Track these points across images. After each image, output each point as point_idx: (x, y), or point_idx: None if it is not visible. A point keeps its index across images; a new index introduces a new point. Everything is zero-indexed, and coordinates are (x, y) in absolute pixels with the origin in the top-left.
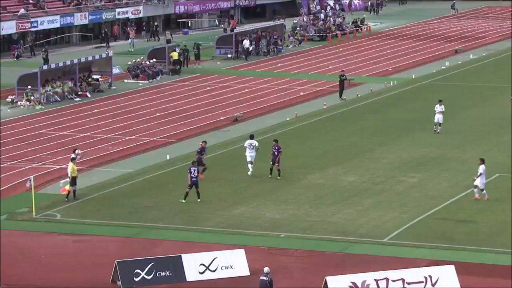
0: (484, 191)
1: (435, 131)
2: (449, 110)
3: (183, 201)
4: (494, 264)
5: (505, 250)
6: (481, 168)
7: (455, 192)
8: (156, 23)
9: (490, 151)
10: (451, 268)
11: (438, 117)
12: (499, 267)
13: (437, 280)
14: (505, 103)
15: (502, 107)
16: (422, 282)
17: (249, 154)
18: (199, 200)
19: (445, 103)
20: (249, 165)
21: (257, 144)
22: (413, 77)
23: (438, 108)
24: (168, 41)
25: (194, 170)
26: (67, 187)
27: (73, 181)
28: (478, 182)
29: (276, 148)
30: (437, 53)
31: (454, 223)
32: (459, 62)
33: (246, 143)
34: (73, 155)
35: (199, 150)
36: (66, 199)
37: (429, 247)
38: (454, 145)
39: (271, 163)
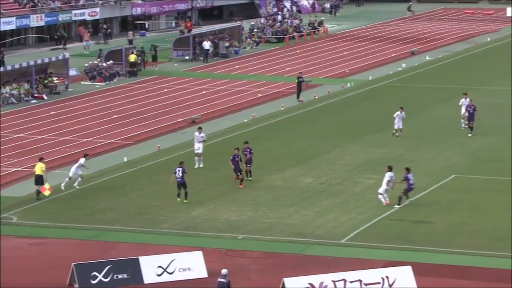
0: (385, 195)
1: (393, 133)
2: (406, 112)
3: (179, 200)
4: (451, 264)
5: (460, 251)
6: (388, 175)
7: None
8: (105, 26)
9: (445, 152)
10: (408, 269)
11: (399, 124)
12: (455, 267)
13: (394, 281)
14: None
15: (458, 108)
16: (379, 283)
17: (196, 146)
18: (185, 201)
19: (401, 104)
20: (196, 158)
21: (205, 137)
22: (370, 78)
23: (399, 115)
24: (130, 42)
25: (179, 170)
26: (46, 185)
27: (39, 181)
28: (381, 189)
29: (248, 150)
30: (393, 54)
31: (411, 224)
32: (416, 64)
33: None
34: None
35: (231, 158)
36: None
37: (386, 248)
38: (411, 146)
39: (245, 164)
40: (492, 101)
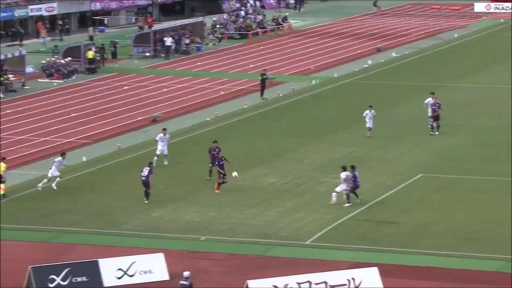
0: (334, 194)
1: (368, 136)
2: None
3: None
4: (418, 265)
5: (427, 251)
6: (343, 174)
7: (378, 193)
8: (61, 22)
9: (412, 150)
10: (374, 270)
11: (369, 123)
12: (422, 268)
13: (360, 282)
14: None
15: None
16: (345, 284)
17: (160, 147)
18: (146, 201)
19: (368, 102)
20: (156, 158)
21: (168, 138)
22: (335, 75)
23: (369, 113)
24: (91, 38)
25: (146, 169)
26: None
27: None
28: (339, 188)
29: (217, 150)
30: (359, 51)
31: (377, 224)
32: (382, 61)
33: (158, 137)
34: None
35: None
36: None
37: (352, 249)
38: (377, 145)
39: (211, 164)
40: (459, 99)
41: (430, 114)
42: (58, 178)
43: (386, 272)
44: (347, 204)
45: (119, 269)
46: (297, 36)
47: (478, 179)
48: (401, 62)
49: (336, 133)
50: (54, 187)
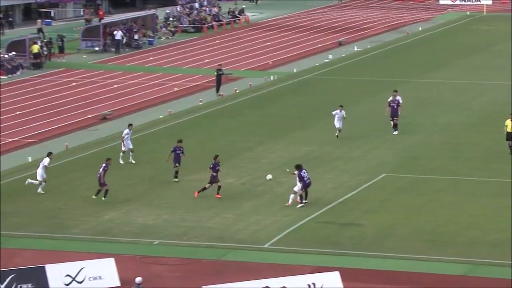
0: (292, 195)
1: (337, 136)
2: (333, 106)
3: (103, 198)
4: (381, 270)
5: (392, 255)
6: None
7: (340, 194)
8: (1, 15)
9: (375, 149)
10: (336, 275)
11: (339, 123)
12: (386, 272)
13: (321, 287)
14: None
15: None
16: None
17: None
18: (94, 196)
19: (329, 98)
20: (122, 154)
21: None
22: (295, 71)
23: (339, 113)
24: (40, 30)
25: (102, 166)
26: None
27: None
28: (297, 188)
29: (181, 149)
30: (319, 45)
31: (339, 226)
32: (343, 55)
33: (124, 132)
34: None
35: (211, 166)
36: None
37: (313, 253)
38: (339, 143)
39: (177, 164)
40: (424, 95)
41: (390, 112)
42: (43, 182)
43: (348, 276)
44: (300, 205)
45: (67, 275)
46: (255, 30)
47: (444, 179)
48: (364, 56)
49: (295, 131)
50: (41, 191)
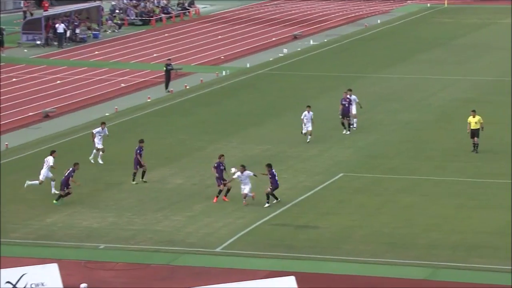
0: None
1: (305, 134)
2: (288, 103)
3: (55, 202)
4: (338, 274)
5: (349, 258)
6: (236, 174)
7: (295, 194)
8: None
9: (332, 148)
10: (291, 280)
11: (308, 125)
12: (343, 277)
13: None
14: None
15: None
16: None
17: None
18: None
19: (284, 94)
20: (95, 151)
21: (107, 133)
22: (248, 66)
23: (307, 115)
24: None
25: (69, 170)
26: None
27: None
28: (247, 188)
29: (142, 150)
30: (274, 39)
31: (294, 229)
32: (298, 49)
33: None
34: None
35: (215, 165)
36: None
37: (267, 257)
38: (294, 142)
39: (137, 167)
40: (383, 91)
41: (340, 110)
42: (53, 181)
43: (304, 281)
44: (267, 205)
45: (8, 281)
46: (206, 23)
47: (404, 179)
48: (320, 50)
49: (249, 129)
50: (55, 191)
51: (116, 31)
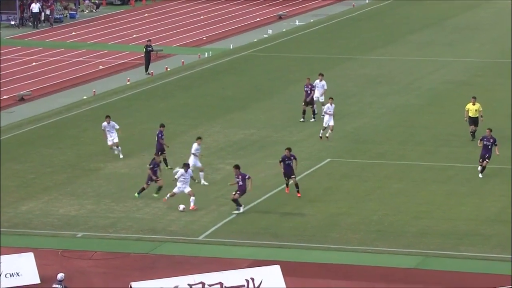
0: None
1: (321, 137)
2: (273, 86)
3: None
4: (325, 263)
5: (337, 247)
6: (179, 173)
7: (281, 181)
8: None
9: (319, 132)
10: (276, 269)
11: (330, 120)
12: (330, 266)
13: (260, 282)
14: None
15: (333, 80)
16: (244, 285)
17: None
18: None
19: (269, 77)
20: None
21: (116, 126)
22: (231, 47)
23: (330, 107)
24: None
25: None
26: None
27: None
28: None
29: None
30: (258, 19)
31: (279, 216)
32: (284, 30)
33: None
34: None
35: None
36: None
37: (252, 245)
38: (279, 126)
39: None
40: (372, 73)
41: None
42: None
43: (290, 270)
44: (235, 211)
45: None
46: (187, 2)
47: (393, 164)
48: (306, 31)
49: (232, 113)
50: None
51: (94, 11)
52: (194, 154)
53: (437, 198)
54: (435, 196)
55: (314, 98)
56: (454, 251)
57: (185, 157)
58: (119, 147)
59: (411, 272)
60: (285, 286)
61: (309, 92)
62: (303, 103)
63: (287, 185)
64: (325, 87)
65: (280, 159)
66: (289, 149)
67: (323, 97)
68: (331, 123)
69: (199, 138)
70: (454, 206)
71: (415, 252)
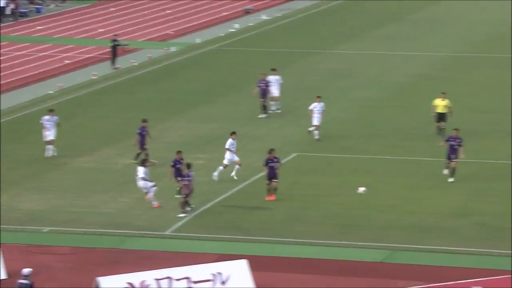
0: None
1: (309, 131)
2: (240, 80)
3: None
4: (291, 257)
5: (303, 241)
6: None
7: (247, 175)
8: None
9: (286, 126)
10: (243, 263)
11: (318, 119)
12: (296, 260)
13: (228, 277)
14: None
15: (298, 75)
16: (211, 280)
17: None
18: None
19: (235, 71)
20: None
21: (58, 121)
22: (198, 41)
23: (318, 106)
24: None
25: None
26: None
27: None
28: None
29: (146, 130)
30: (224, 13)
31: (246, 211)
32: (250, 24)
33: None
34: None
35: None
36: None
37: (219, 239)
38: (245, 120)
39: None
40: (336, 67)
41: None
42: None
43: (257, 264)
44: (181, 215)
45: None
46: None
47: (358, 158)
48: (272, 26)
49: (198, 108)
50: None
51: (60, 5)
52: (229, 149)
53: (402, 192)
54: (400, 190)
55: (274, 94)
56: (420, 244)
57: (150, 151)
58: (54, 148)
59: (377, 266)
60: (252, 281)
61: (263, 87)
62: (260, 99)
63: (268, 190)
64: (281, 81)
65: (265, 162)
66: (272, 151)
67: (278, 92)
68: (316, 122)
69: (233, 133)
70: (418, 199)
71: (381, 246)
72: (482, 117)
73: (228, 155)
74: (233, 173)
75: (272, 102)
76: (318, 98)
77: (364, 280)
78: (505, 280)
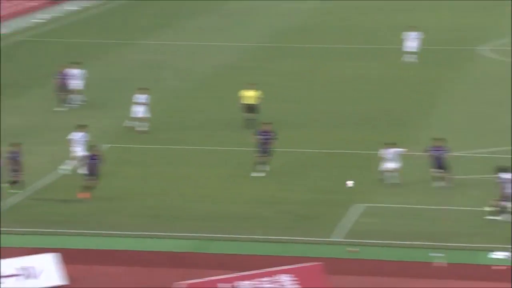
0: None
1: (131, 126)
2: (48, 71)
3: None
4: (103, 249)
5: (116, 233)
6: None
7: (56, 168)
8: None
9: (99, 118)
10: (55, 257)
11: (139, 110)
12: (108, 252)
13: (39, 271)
14: None
15: (111, 67)
16: (21, 274)
17: None
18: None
19: (44, 62)
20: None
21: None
22: (3, 32)
23: (141, 98)
24: None
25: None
26: None
27: None
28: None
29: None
30: (32, 4)
31: (58, 203)
32: (59, 14)
33: None
34: None
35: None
36: None
37: (27, 233)
38: (52, 114)
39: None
40: (146, 58)
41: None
42: None
43: (69, 257)
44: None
45: None
46: None
47: (173, 149)
48: (81, 16)
49: (4, 101)
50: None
51: None
52: (74, 143)
53: (216, 181)
54: (213, 179)
55: (76, 87)
56: (232, 234)
57: None
58: None
59: (190, 256)
60: (64, 274)
61: (62, 80)
62: (58, 92)
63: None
64: (86, 75)
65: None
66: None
67: (82, 85)
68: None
69: (81, 126)
70: (232, 189)
71: (194, 236)
72: (290, 107)
73: (74, 148)
74: (64, 166)
75: (76, 96)
76: (141, 90)
77: (179, 270)
78: (315, 267)
